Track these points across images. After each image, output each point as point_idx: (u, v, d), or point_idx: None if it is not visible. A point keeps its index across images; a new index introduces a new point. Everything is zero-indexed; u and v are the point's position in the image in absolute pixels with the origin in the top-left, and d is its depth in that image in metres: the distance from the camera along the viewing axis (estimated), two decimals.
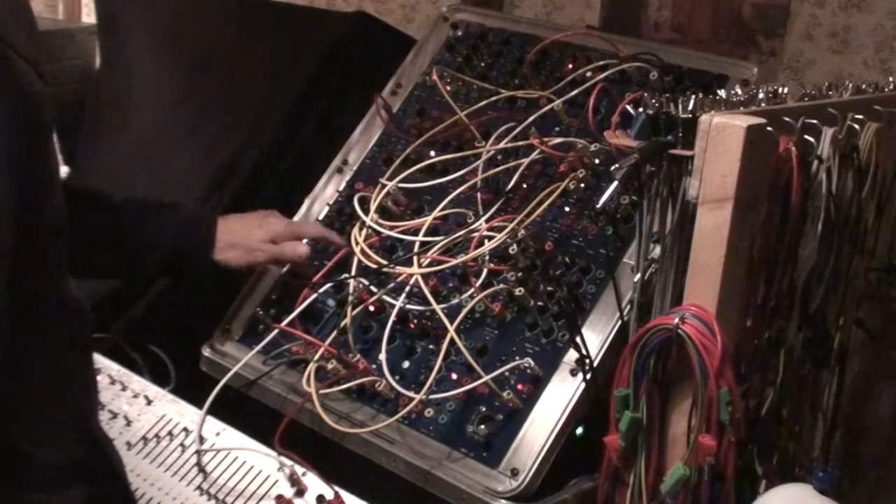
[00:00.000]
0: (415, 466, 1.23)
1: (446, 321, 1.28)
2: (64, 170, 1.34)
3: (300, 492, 1.17)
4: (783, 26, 2.01)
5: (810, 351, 1.16)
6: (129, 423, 1.30)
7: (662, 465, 1.04)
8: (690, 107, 1.01)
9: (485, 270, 1.32)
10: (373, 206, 1.44)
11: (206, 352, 1.47)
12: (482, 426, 1.22)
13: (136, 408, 1.33)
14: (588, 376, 1.18)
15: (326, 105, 1.75)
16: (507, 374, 1.24)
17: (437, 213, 1.40)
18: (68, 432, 0.88)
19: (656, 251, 1.08)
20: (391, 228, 1.41)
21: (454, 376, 1.27)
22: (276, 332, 1.38)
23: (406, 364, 1.31)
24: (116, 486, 0.97)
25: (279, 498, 1.16)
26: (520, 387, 1.23)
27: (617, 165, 1.01)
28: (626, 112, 1.12)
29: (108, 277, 1.52)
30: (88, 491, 0.89)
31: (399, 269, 1.36)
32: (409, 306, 1.34)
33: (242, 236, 1.40)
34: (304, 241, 1.45)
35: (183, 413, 1.31)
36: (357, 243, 1.41)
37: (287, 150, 1.74)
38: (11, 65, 0.77)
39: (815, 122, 1.04)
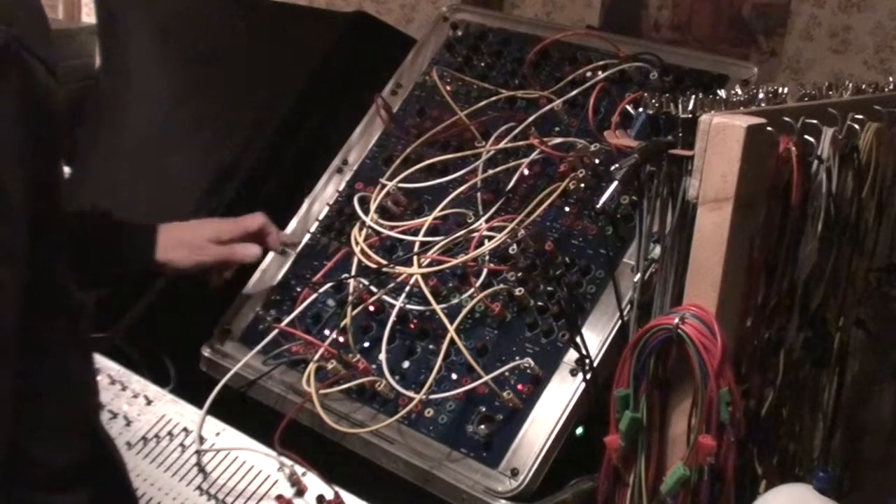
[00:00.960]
0: (415, 466, 1.23)
1: (446, 321, 1.28)
2: (65, 170, 1.35)
3: (300, 492, 1.17)
4: (783, 26, 2.01)
5: (810, 351, 1.17)
6: (129, 423, 1.30)
7: (662, 465, 1.04)
8: (690, 107, 1.01)
9: (485, 270, 1.32)
10: (373, 206, 1.44)
11: (206, 352, 1.47)
12: (482, 426, 1.22)
13: (136, 408, 1.33)
14: (588, 376, 1.18)
15: (327, 105, 1.75)
16: (507, 374, 1.23)
17: (437, 213, 1.40)
18: (72, 432, 0.89)
19: (656, 251, 1.08)
20: (391, 228, 1.41)
21: (454, 376, 1.27)
22: (276, 332, 1.38)
23: (406, 364, 1.31)
24: (119, 486, 0.97)
25: (279, 498, 1.16)
26: (520, 387, 1.23)
27: (617, 165, 1.01)
28: (626, 112, 1.12)
29: None
30: (92, 492, 0.89)
31: (399, 269, 1.36)
32: (409, 306, 1.34)
33: (186, 237, 1.38)
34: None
35: (183, 413, 1.31)
36: (357, 243, 1.41)
37: (287, 150, 1.74)
38: (28, 66, 0.77)
39: (815, 122, 1.04)
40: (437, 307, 1.29)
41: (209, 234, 1.40)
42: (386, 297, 1.36)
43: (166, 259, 1.36)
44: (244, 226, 1.43)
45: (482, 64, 1.56)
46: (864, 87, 1.23)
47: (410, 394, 1.25)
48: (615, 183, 1.01)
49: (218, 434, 1.27)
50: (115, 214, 1.42)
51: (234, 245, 1.40)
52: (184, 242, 1.38)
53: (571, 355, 1.22)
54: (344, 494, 1.15)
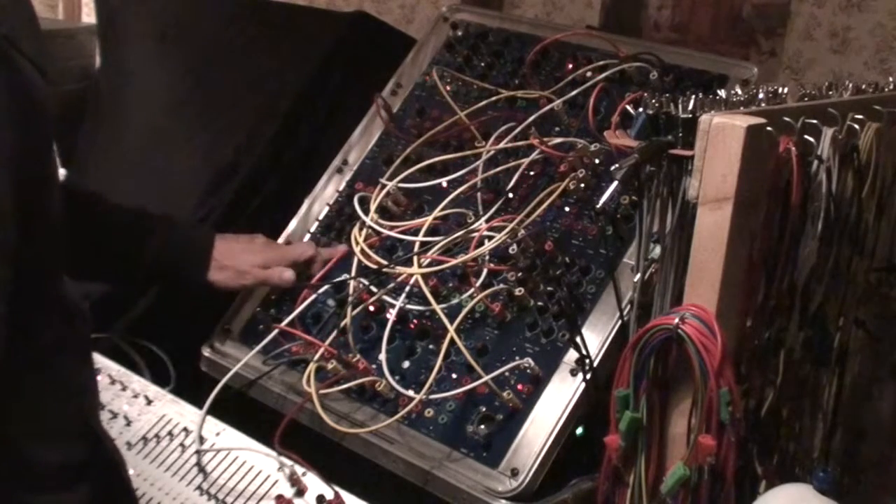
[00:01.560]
0: (415, 466, 1.23)
1: (446, 321, 1.28)
2: (61, 172, 1.35)
3: (300, 492, 1.17)
4: (783, 26, 2.01)
5: (810, 351, 1.17)
6: (129, 423, 1.30)
7: (662, 465, 1.04)
8: (690, 107, 1.01)
9: (485, 270, 1.32)
10: (373, 206, 1.44)
11: (206, 352, 1.47)
12: (482, 426, 1.22)
13: (136, 408, 1.33)
14: (588, 376, 1.18)
15: (326, 105, 1.75)
16: (507, 374, 1.23)
17: (437, 213, 1.40)
18: (69, 432, 0.89)
19: (656, 251, 1.08)
20: (391, 228, 1.41)
21: (454, 376, 1.27)
22: (276, 332, 1.38)
23: (406, 364, 1.31)
24: (118, 485, 0.97)
25: (279, 498, 1.16)
26: (520, 387, 1.23)
27: (617, 165, 1.01)
28: (626, 112, 1.12)
29: (97, 281, 1.53)
30: (91, 491, 0.89)
31: (399, 269, 1.36)
32: (409, 306, 1.34)
33: (235, 259, 1.43)
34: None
35: (183, 413, 1.31)
36: (357, 243, 1.41)
37: (287, 151, 1.74)
38: (16, 65, 0.77)
39: (815, 122, 1.04)
40: (437, 307, 1.29)
41: (258, 261, 1.44)
42: (386, 297, 1.36)
43: (213, 279, 1.42)
44: (293, 256, 1.46)
45: (482, 64, 1.56)
46: (864, 87, 1.23)
47: (410, 394, 1.25)
48: (615, 183, 1.01)
49: (218, 434, 1.27)
50: (176, 218, 1.49)
51: (273, 269, 1.44)
52: (232, 266, 1.43)
53: (571, 355, 1.22)
54: (344, 494, 1.15)
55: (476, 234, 1.33)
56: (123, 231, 1.41)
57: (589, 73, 1.43)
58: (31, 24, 0.83)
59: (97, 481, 0.90)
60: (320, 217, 1.54)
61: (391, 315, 1.33)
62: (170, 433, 1.28)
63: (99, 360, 1.38)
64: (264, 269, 1.44)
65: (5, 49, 0.76)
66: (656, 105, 1.03)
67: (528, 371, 1.23)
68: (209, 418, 1.28)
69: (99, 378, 1.35)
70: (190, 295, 1.49)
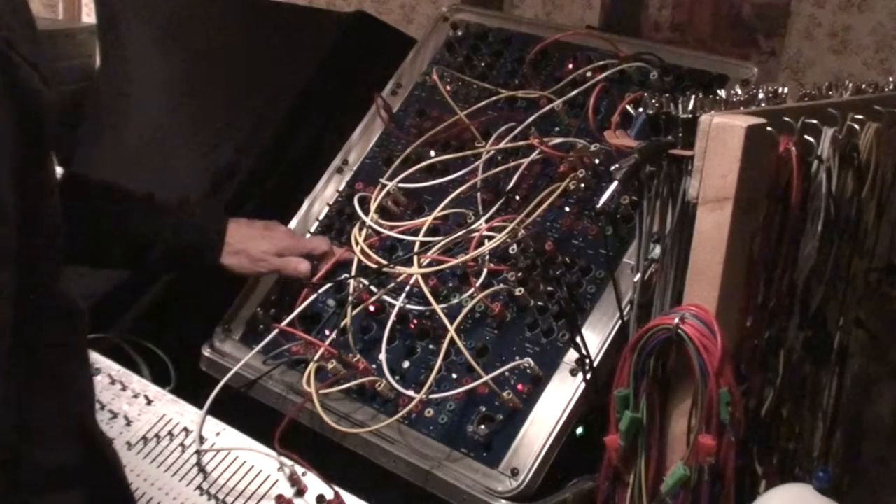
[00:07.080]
0: (415, 466, 1.23)
1: (446, 321, 1.28)
2: (58, 171, 1.35)
3: (300, 492, 1.17)
4: (783, 26, 2.01)
5: (810, 351, 1.17)
6: (129, 423, 1.30)
7: (662, 465, 1.04)
8: (690, 107, 1.01)
9: (485, 270, 1.32)
10: (373, 206, 1.44)
11: (206, 352, 1.47)
12: (482, 426, 1.22)
13: (136, 408, 1.33)
14: (588, 376, 1.18)
15: (326, 105, 1.75)
16: (507, 374, 1.23)
17: (437, 213, 1.40)
18: (66, 434, 0.88)
19: (656, 251, 1.08)
20: (391, 228, 1.42)
21: (454, 376, 1.27)
22: (276, 332, 1.38)
23: (406, 364, 1.31)
24: (115, 487, 0.97)
25: (279, 498, 1.16)
26: (520, 387, 1.23)
27: (617, 165, 1.01)
28: (626, 112, 1.12)
29: (113, 267, 1.53)
30: (87, 493, 0.89)
31: (399, 269, 1.36)
32: (409, 306, 1.34)
33: (250, 245, 1.43)
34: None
35: (183, 413, 1.31)
36: (357, 243, 1.41)
37: (287, 150, 1.74)
38: (14, 68, 0.77)
39: (815, 122, 1.04)
40: (437, 307, 1.29)
41: (272, 248, 1.43)
42: (386, 297, 1.36)
43: (227, 263, 1.42)
44: (308, 248, 1.45)
45: (482, 64, 1.56)
46: (864, 87, 1.23)
47: (410, 394, 1.25)
48: (615, 183, 1.01)
49: (218, 434, 1.27)
50: (191, 201, 1.49)
51: (289, 259, 1.43)
52: (246, 251, 1.43)
53: (571, 355, 1.22)
54: (344, 494, 1.15)
55: (476, 235, 1.33)
56: (136, 213, 1.42)
57: (589, 73, 1.43)
58: (29, 27, 0.83)
59: (94, 483, 0.90)
60: (320, 217, 1.54)
61: (391, 315, 1.33)
62: (170, 433, 1.28)
63: (99, 360, 1.38)
64: (279, 258, 1.43)
65: (4, 52, 0.76)
66: (656, 105, 1.04)
67: (528, 371, 1.23)
68: (209, 418, 1.28)
69: (99, 378, 1.35)
70: (202, 281, 1.48)
